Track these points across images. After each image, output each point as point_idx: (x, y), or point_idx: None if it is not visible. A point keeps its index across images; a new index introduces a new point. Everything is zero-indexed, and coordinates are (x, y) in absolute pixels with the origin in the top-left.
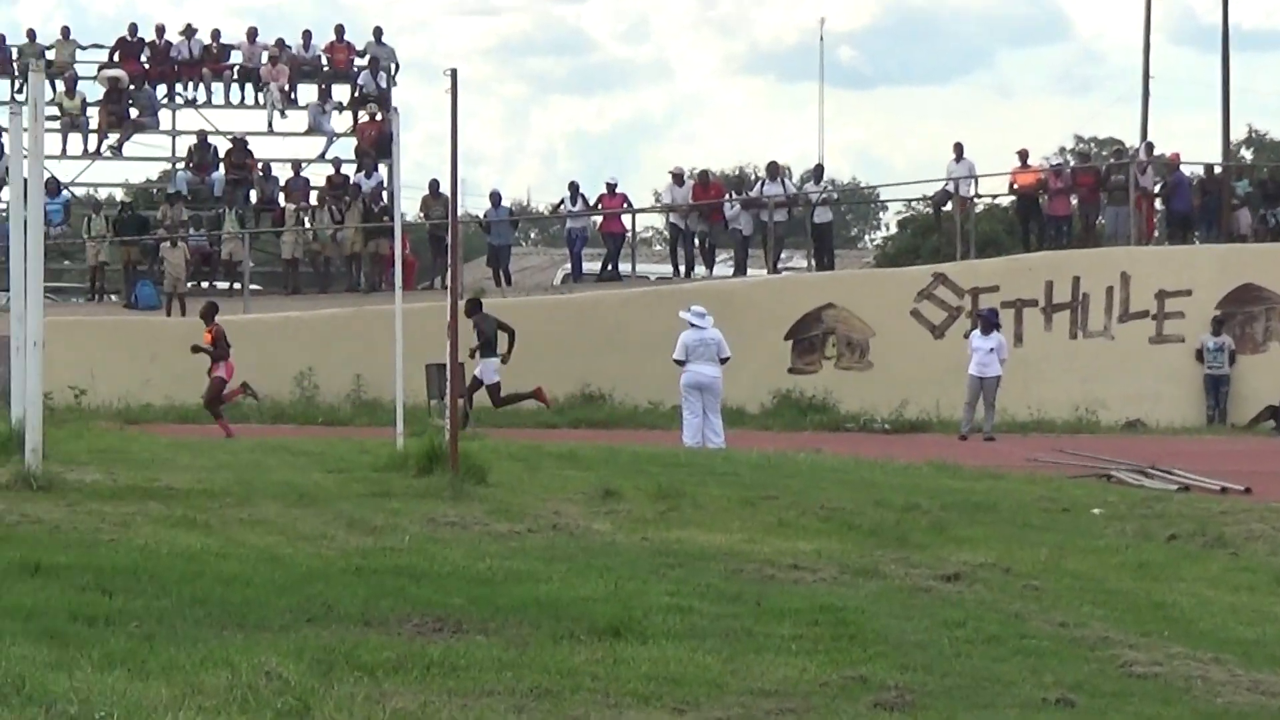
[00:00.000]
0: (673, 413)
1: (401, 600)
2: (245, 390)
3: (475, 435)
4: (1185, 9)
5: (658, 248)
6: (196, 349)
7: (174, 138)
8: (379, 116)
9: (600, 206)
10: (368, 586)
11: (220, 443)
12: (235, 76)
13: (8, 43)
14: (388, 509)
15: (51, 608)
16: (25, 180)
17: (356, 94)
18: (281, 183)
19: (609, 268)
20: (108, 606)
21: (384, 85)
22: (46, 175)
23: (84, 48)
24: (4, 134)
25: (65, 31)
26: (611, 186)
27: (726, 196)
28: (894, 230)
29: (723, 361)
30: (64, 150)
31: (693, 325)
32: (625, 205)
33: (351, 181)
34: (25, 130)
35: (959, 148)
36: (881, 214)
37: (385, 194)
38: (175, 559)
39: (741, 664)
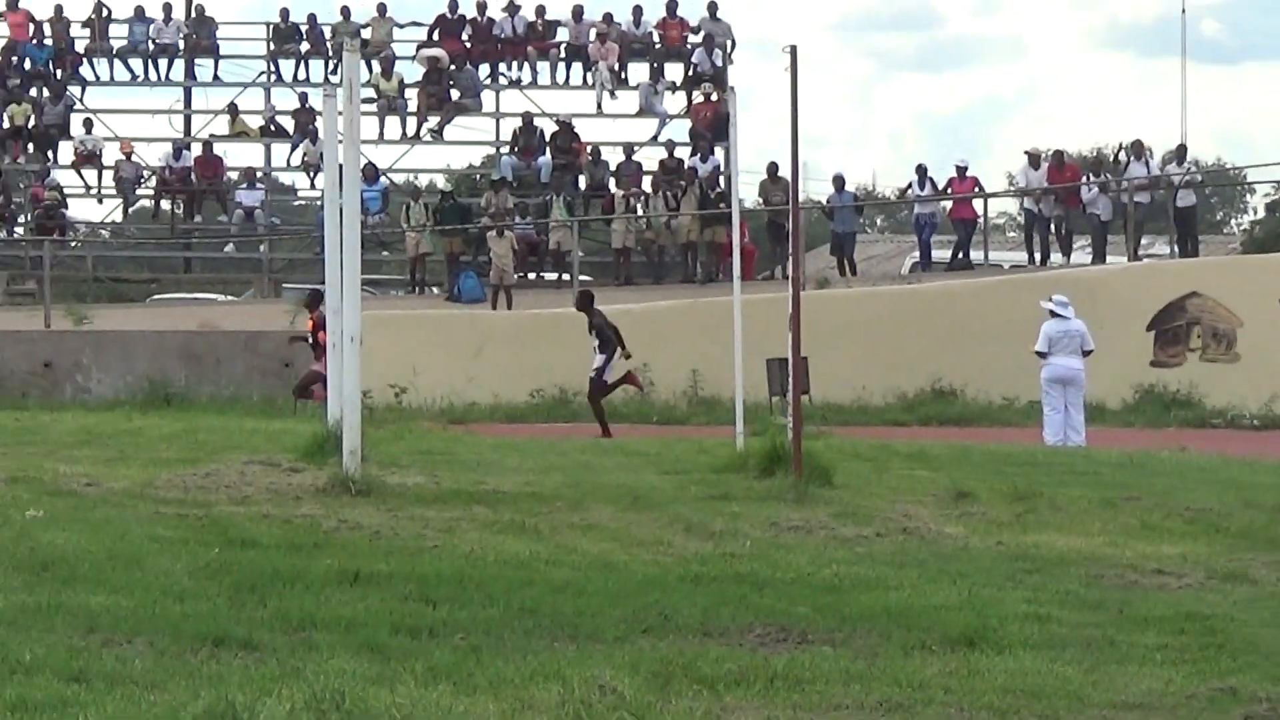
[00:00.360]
0: (1028, 408)
1: (743, 609)
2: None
3: (821, 434)
4: None
5: (1011, 234)
6: (294, 339)
7: (497, 120)
8: (715, 96)
9: (950, 190)
10: (707, 595)
11: (551, 443)
12: (562, 55)
13: (320, 22)
14: (728, 512)
15: (372, 619)
16: (340, 166)
17: (691, 73)
18: (612, 167)
19: (959, 255)
20: (431, 617)
21: (719, 63)
22: (363, 161)
23: (401, 26)
24: (318, 118)
25: (381, 9)
26: (962, 169)
27: (1084, 179)
28: (1261, 214)
29: (1085, 354)
30: (381, 134)
31: (1055, 315)
32: (976, 189)
33: (686, 166)
34: (340, 113)
35: None
36: (1248, 197)
37: (722, 179)
38: (503, 567)
39: (1103, 675)
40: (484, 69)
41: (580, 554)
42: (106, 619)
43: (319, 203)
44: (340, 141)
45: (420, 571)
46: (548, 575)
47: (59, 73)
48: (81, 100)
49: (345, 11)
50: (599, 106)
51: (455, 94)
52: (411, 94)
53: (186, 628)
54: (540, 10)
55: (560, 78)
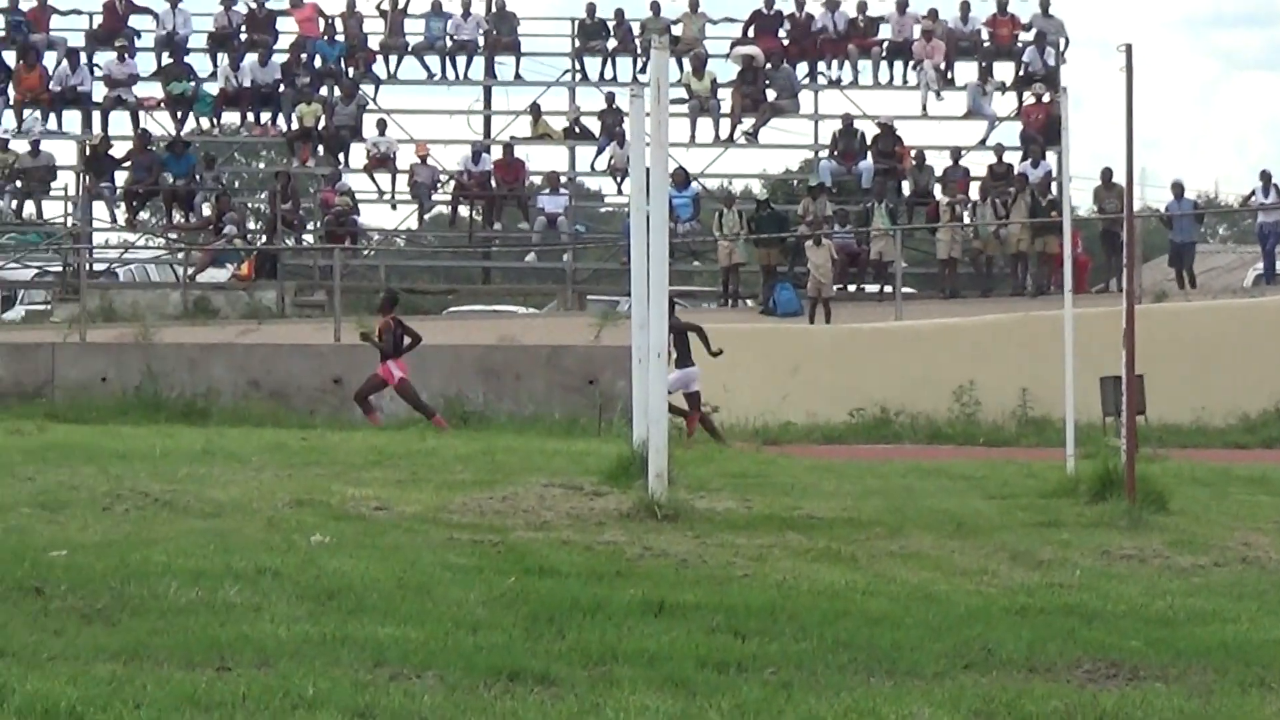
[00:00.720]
0: None
1: (1070, 643)
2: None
3: (1157, 457)
4: None
5: None
6: (365, 337)
7: (816, 123)
8: (1047, 98)
9: None
10: (1033, 628)
11: (870, 466)
12: (884, 53)
13: (628, 17)
14: (1056, 540)
15: (677, 652)
16: (648, 170)
17: (1021, 73)
18: (937, 173)
19: None
20: (740, 651)
21: (1052, 63)
22: (673, 165)
23: (714, 22)
24: (625, 119)
25: (693, 4)
26: None
27: None
28: None
29: None
30: (692, 137)
31: None
32: None
33: (1016, 171)
34: (648, 115)
35: None
36: None
37: (1054, 185)
38: (816, 597)
39: None
40: (802, 68)
41: (899, 584)
42: (395, 651)
43: (626, 209)
44: (648, 144)
45: (729, 602)
46: (864, 606)
47: (350, 71)
48: (374, 100)
49: (655, 7)
50: (924, 108)
51: (771, 94)
52: (725, 94)
53: (479, 661)
54: (862, 6)
55: (883, 77)
